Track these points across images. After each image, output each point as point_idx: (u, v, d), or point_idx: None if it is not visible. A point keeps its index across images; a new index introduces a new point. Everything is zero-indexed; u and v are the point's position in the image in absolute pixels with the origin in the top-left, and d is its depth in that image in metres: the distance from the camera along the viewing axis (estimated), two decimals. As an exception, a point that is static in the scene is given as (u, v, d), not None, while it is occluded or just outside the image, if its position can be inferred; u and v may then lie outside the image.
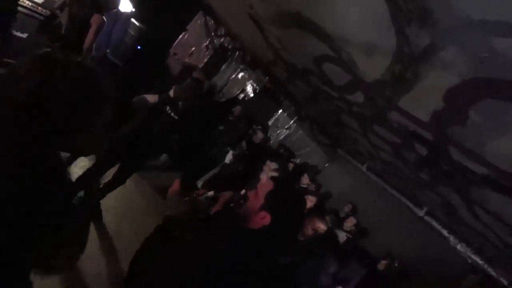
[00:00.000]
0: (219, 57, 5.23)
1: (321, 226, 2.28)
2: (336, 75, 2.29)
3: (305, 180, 4.22)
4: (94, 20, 2.59)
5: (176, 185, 1.22)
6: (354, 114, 2.92)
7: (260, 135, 4.21)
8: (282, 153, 5.01)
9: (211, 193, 2.36)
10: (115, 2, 2.86)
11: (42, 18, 3.24)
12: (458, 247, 3.41)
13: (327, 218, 3.33)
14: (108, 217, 2.77)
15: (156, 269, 0.89)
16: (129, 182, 3.60)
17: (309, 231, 2.24)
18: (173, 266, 0.87)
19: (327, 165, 5.91)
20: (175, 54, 4.88)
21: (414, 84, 1.44)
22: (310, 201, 3.00)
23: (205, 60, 5.12)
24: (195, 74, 2.80)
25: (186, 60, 4.89)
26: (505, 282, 3.04)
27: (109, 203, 2.98)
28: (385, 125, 2.37)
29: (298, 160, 5.82)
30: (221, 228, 1.06)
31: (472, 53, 1.03)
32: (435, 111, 1.50)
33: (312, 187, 4.42)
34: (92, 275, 2.12)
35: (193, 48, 5.00)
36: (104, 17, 2.67)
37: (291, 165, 4.45)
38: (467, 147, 1.60)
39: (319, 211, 3.28)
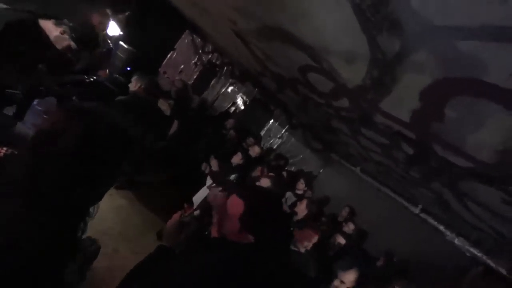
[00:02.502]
0: (208, 73, 5.35)
1: (315, 238, 2.32)
2: (320, 83, 2.38)
3: (300, 186, 4.25)
4: None
5: (176, 216, 1.23)
6: (343, 118, 3.01)
7: (256, 150, 4.26)
8: (275, 162, 5.05)
9: (197, 212, 2.37)
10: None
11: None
12: (456, 241, 3.46)
13: (323, 220, 3.37)
14: (105, 240, 2.75)
15: None
16: (124, 201, 3.60)
17: (304, 243, 2.27)
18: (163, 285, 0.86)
19: (321, 170, 5.97)
20: (165, 73, 4.97)
21: (392, 87, 1.53)
22: (303, 209, 3.03)
23: (195, 76, 5.22)
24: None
25: (177, 78, 4.99)
26: (504, 272, 3.09)
27: (106, 224, 2.96)
28: (372, 127, 2.46)
29: (293, 168, 5.87)
30: (212, 246, 1.04)
31: (440, 55, 1.12)
32: (414, 111, 1.59)
33: (309, 194, 4.45)
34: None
35: (182, 66, 5.11)
36: None
37: (285, 173, 4.49)
38: (449, 142, 1.68)
39: (313, 220, 3.32)
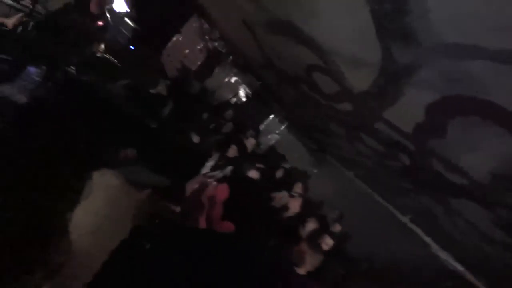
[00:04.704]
0: (212, 60, 5.25)
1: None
2: (325, 84, 2.35)
3: (297, 190, 4.20)
4: None
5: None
6: (342, 122, 3.00)
7: (252, 142, 4.20)
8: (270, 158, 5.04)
9: (178, 208, 2.34)
10: None
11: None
12: (440, 253, 3.52)
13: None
14: (96, 220, 2.74)
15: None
16: (116, 181, 3.57)
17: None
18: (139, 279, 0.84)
19: (315, 170, 5.99)
20: (169, 55, 4.87)
21: (398, 98, 1.51)
22: (296, 207, 3.05)
23: (199, 63, 5.13)
24: None
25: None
26: (483, 289, 3.16)
27: (96, 204, 2.95)
28: (371, 134, 2.45)
29: (287, 166, 5.87)
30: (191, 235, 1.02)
31: (447, 73, 1.10)
32: (417, 124, 1.58)
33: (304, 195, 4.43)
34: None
35: (187, 51, 5.01)
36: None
37: (281, 171, 4.47)
38: (446, 158, 1.68)
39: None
